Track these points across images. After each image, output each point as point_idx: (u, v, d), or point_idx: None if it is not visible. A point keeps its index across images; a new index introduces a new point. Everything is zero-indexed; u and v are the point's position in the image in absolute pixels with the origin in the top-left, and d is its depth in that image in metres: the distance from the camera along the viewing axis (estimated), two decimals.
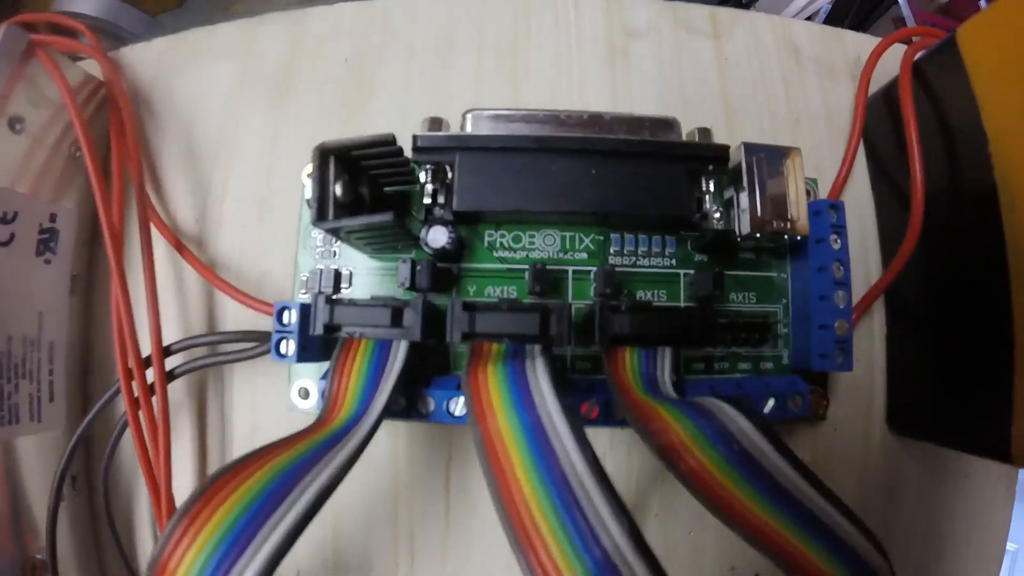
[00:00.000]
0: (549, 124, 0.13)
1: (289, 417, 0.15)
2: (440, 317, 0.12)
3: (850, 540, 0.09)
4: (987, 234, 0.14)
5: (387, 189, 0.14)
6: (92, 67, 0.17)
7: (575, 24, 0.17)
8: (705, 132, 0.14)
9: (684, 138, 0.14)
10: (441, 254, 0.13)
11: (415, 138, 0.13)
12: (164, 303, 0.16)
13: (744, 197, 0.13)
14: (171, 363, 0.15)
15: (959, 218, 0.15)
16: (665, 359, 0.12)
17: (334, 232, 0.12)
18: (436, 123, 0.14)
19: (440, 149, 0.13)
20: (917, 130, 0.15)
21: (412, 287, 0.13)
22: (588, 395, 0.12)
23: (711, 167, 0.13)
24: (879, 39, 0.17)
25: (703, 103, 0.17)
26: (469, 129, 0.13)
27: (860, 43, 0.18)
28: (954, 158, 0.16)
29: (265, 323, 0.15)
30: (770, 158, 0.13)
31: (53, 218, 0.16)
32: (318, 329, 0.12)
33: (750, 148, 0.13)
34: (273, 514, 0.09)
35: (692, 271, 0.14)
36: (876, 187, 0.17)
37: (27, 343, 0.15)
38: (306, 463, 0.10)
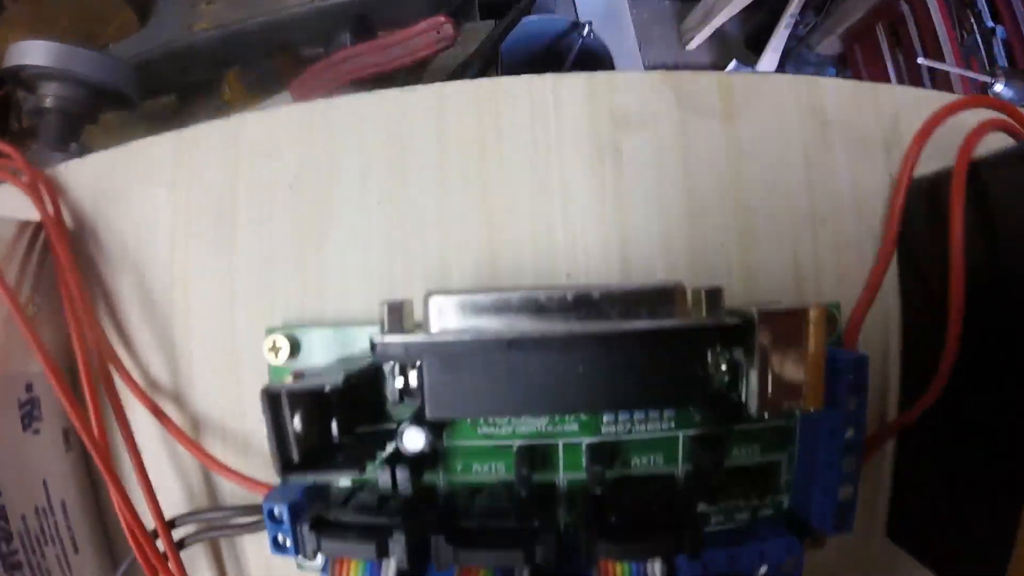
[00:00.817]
0: (526, 312, 0.12)
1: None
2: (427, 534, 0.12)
3: None
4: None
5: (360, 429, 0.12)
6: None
7: (554, 124, 0.14)
8: (714, 296, 0.12)
9: (690, 303, 0.12)
10: (416, 462, 0.12)
11: (373, 345, 0.11)
12: (160, 473, 0.16)
13: (754, 376, 0.12)
14: (181, 533, 0.15)
15: (999, 348, 0.14)
16: (656, 570, 0.12)
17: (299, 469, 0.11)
18: (396, 311, 0.12)
19: (401, 354, 0.12)
20: (964, 237, 0.13)
21: (394, 489, 0.12)
22: None
23: (720, 346, 0.12)
24: (922, 95, 0.14)
25: (712, 215, 0.14)
26: (433, 319, 0.12)
27: (896, 99, 0.14)
28: (1005, 273, 0.14)
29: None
30: (787, 324, 0.12)
31: (29, 387, 0.16)
32: (308, 555, 0.12)
33: (765, 317, 0.12)
34: None
35: (691, 430, 0.14)
36: (905, 293, 0.15)
37: (40, 512, 0.16)
38: None
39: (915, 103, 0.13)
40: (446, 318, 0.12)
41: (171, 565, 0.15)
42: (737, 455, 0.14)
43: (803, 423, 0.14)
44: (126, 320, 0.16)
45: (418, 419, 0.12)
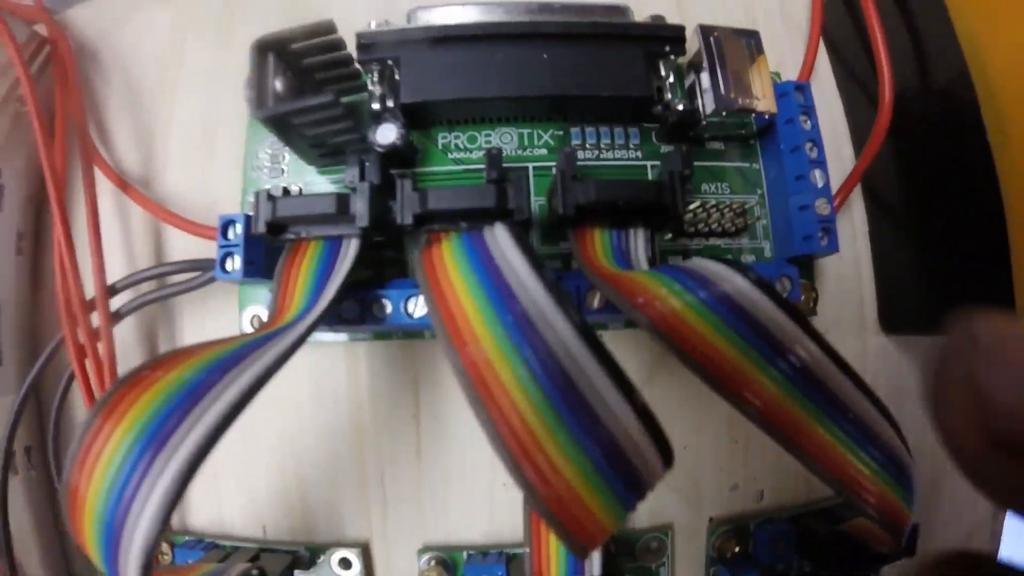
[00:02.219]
0: (497, 12, 0.13)
1: None
2: (392, 224, 0.12)
3: (885, 437, 0.09)
4: (961, 108, 0.15)
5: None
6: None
7: None
8: (659, 18, 0.14)
9: (636, 19, 0.14)
10: (392, 153, 0.13)
11: (358, 36, 0.13)
12: (109, 246, 0.16)
13: (705, 76, 0.14)
14: (117, 303, 0.15)
15: (929, 100, 0.16)
16: (638, 239, 0.12)
17: (275, 125, 0.12)
18: (382, 24, 0.14)
19: (383, 44, 0.13)
20: (879, 17, 0.16)
21: (344, 203, 0.12)
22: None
23: (667, 48, 0.14)
24: None
25: (653, 2, 0.17)
26: (417, 22, 0.13)
27: None
28: (919, 41, 0.16)
29: (213, 253, 0.15)
30: (728, 39, 0.14)
31: None
32: (260, 228, 0.12)
33: (707, 29, 0.14)
34: (195, 407, 0.08)
35: (658, 162, 0.14)
36: (841, 82, 0.17)
37: None
38: (236, 356, 0.09)
39: None
40: (429, 19, 0.13)
41: (101, 344, 0.14)
42: (707, 191, 0.14)
43: (767, 163, 0.15)
44: (110, 120, 0.17)
45: (392, 117, 0.13)
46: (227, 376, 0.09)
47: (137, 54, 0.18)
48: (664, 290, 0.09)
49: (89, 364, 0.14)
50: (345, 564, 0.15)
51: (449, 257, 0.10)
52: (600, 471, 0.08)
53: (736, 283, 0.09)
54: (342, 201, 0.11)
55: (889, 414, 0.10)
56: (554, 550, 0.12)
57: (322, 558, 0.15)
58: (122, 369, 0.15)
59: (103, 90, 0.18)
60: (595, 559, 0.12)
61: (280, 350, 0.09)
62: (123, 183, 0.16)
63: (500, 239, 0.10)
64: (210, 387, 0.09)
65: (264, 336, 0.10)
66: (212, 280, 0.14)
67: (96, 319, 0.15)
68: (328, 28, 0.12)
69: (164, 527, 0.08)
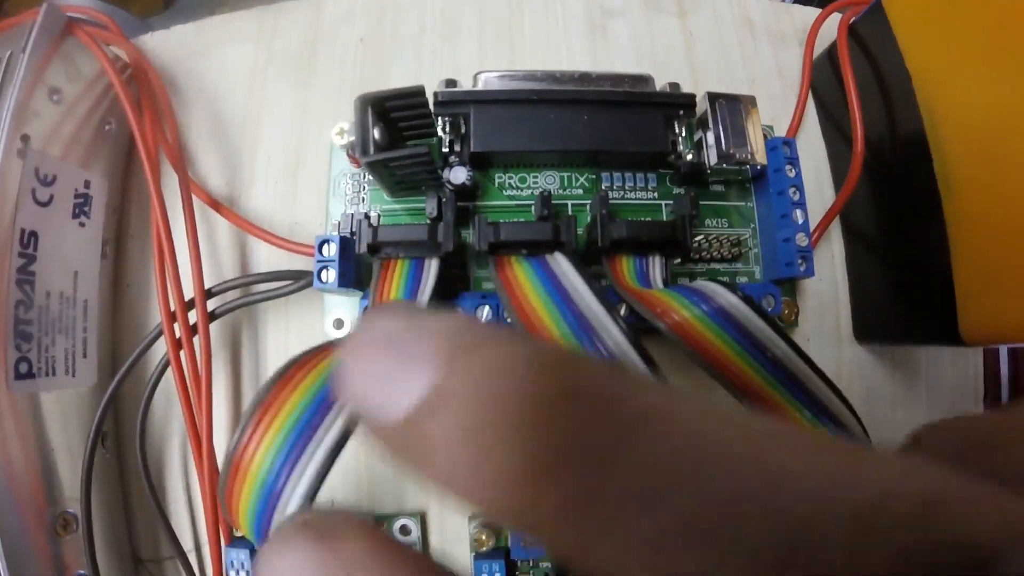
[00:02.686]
0: (546, 81, 0.17)
1: None
2: (462, 247, 0.15)
3: (839, 414, 0.12)
4: (919, 160, 0.19)
5: (410, 142, 0.17)
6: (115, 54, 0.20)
7: (560, 7, 0.21)
8: (675, 86, 0.18)
9: (658, 88, 0.18)
10: (460, 191, 0.16)
11: (435, 94, 0.16)
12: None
13: (711, 135, 0.17)
14: (209, 307, 0.18)
15: (895, 152, 0.19)
16: (655, 264, 0.16)
17: (374, 167, 0.15)
18: (451, 84, 0.17)
19: (456, 102, 0.16)
20: (855, 83, 0.19)
21: (438, 217, 0.16)
22: None
23: (682, 112, 0.17)
24: (820, 10, 0.21)
25: (671, 69, 0.21)
26: (480, 87, 0.17)
27: (806, 15, 0.22)
28: (888, 103, 0.20)
29: (296, 266, 0.18)
30: (730, 103, 0.17)
31: (87, 184, 0.18)
32: (362, 248, 0.15)
33: (713, 96, 0.17)
34: (330, 411, 0.10)
35: (672, 201, 0.18)
36: (826, 134, 0.21)
37: (64, 300, 0.17)
38: None
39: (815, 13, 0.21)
40: (490, 84, 0.17)
41: (199, 338, 0.17)
42: (710, 224, 0.18)
43: (759, 203, 0.18)
44: (194, 146, 0.20)
45: (461, 161, 0.16)
46: None
47: (221, 85, 0.21)
48: (676, 304, 0.13)
49: (184, 356, 0.17)
50: (404, 531, 0.18)
51: (522, 276, 0.13)
52: None
53: (729, 299, 0.13)
54: (432, 231, 0.15)
55: (843, 397, 0.13)
56: None
57: (384, 527, 0.18)
58: (216, 363, 0.18)
59: (184, 116, 0.20)
60: None
61: None
62: (213, 201, 0.19)
63: (561, 263, 0.13)
64: None
65: None
66: (307, 287, 0.17)
67: (193, 317, 0.17)
68: (419, 92, 0.15)
69: (314, 499, 0.10)
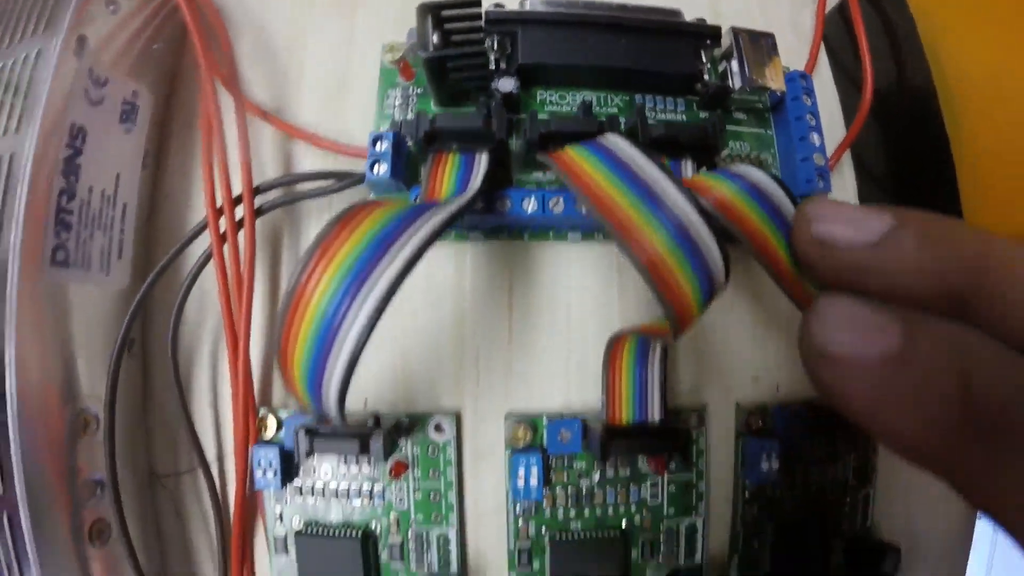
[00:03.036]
0: (587, 7, 0.19)
1: None
2: (507, 145, 0.16)
3: None
4: (928, 109, 0.20)
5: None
6: None
7: None
8: (701, 20, 0.20)
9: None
10: (507, 100, 0.18)
11: (486, 12, 0.18)
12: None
13: (735, 63, 0.19)
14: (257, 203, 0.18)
15: (903, 101, 0.21)
16: (688, 168, 0.17)
17: (431, 65, 0.16)
18: (499, 7, 0.19)
19: (505, 21, 0.18)
20: (865, 33, 0.21)
21: (488, 121, 0.17)
22: None
23: (708, 42, 0.19)
24: None
25: (696, 9, 0.22)
26: (528, 8, 0.19)
27: None
28: (897, 55, 0.22)
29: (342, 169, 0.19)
30: (752, 37, 0.19)
31: (135, 95, 0.19)
32: (420, 135, 0.16)
33: (737, 30, 0.19)
34: (390, 248, 0.11)
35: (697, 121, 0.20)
36: (837, 81, 0.23)
37: (104, 198, 0.18)
38: (418, 211, 0.13)
39: None
40: (535, 7, 0.19)
41: (244, 233, 0.18)
42: (733, 147, 0.20)
43: (778, 131, 0.20)
44: (240, 63, 0.21)
45: (508, 72, 0.18)
46: (411, 227, 0.12)
47: (267, 14, 0.21)
48: (714, 182, 0.14)
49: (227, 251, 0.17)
50: (439, 429, 0.19)
51: (579, 158, 0.14)
52: (680, 245, 0.12)
53: (760, 176, 0.14)
54: (487, 119, 0.16)
55: None
56: (625, 392, 0.16)
57: (418, 427, 0.18)
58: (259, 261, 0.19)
59: (233, 39, 0.21)
60: (655, 398, 0.16)
61: (451, 210, 0.14)
62: (263, 112, 0.20)
63: (613, 139, 0.14)
64: (398, 235, 0.12)
65: (429, 204, 0.14)
66: (354, 185, 0.18)
67: (240, 212, 0.18)
68: (476, 2, 0.17)
69: (367, 339, 0.10)
